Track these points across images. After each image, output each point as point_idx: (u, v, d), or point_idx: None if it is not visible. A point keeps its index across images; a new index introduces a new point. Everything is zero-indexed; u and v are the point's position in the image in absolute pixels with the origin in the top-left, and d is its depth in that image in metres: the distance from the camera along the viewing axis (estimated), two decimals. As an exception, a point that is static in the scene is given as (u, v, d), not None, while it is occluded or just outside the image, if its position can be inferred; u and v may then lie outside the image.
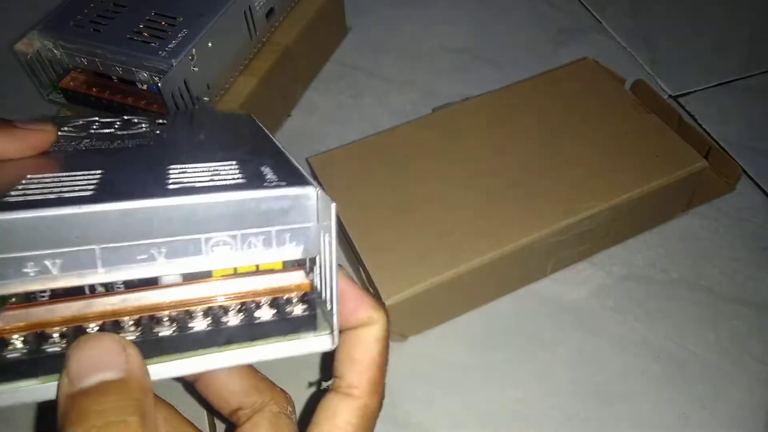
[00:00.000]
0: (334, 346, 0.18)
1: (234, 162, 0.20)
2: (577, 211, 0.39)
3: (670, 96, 0.55)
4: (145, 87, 0.41)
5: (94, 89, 0.42)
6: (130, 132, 0.25)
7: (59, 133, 0.23)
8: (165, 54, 0.39)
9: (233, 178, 0.18)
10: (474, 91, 0.51)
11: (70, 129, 0.26)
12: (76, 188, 0.17)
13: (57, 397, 0.16)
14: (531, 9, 0.63)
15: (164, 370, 0.17)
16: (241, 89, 0.46)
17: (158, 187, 0.17)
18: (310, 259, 0.18)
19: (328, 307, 0.18)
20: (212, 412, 0.26)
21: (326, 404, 0.19)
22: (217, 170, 0.19)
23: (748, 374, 0.38)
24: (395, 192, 0.41)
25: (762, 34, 0.60)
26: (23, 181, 0.18)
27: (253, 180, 0.18)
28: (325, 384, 0.20)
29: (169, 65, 0.39)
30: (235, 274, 0.18)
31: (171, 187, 0.17)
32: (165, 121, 0.28)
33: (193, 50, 0.40)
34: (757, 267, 0.43)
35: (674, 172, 0.41)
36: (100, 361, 0.16)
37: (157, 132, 0.27)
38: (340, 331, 0.20)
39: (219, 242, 0.17)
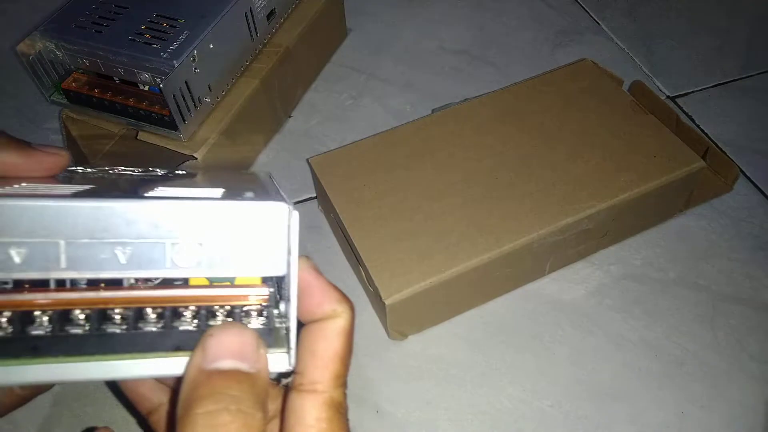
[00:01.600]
0: (291, 368, 0.18)
1: (222, 189, 0.20)
2: (576, 210, 0.40)
3: (668, 97, 0.55)
4: (146, 88, 0.41)
5: (96, 90, 0.42)
6: (143, 175, 0.26)
7: (78, 170, 0.24)
8: (167, 55, 0.40)
9: (211, 196, 0.18)
10: (473, 92, 0.51)
11: (93, 170, 0.26)
12: (58, 191, 0.17)
13: (186, 369, 0.17)
14: (529, 10, 0.64)
15: (104, 369, 0.17)
16: (243, 90, 0.46)
17: (133, 195, 0.17)
18: (277, 277, 0.18)
19: (288, 324, 0.18)
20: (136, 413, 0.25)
21: (292, 406, 0.19)
22: (202, 192, 0.19)
23: (746, 373, 0.39)
24: (395, 192, 0.41)
25: (759, 35, 0.60)
26: (16, 185, 0.18)
27: (230, 197, 0.18)
28: (285, 381, 0.19)
29: (171, 66, 0.39)
30: (194, 284, 0.18)
31: (146, 195, 0.17)
32: (185, 171, 0.29)
33: (195, 52, 0.40)
34: (754, 266, 0.43)
35: (672, 173, 0.42)
36: (238, 350, 0.17)
37: (169, 175, 0.27)
38: (303, 324, 0.19)
39: (184, 249, 0.17)
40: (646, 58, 0.58)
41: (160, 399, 0.23)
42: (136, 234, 0.16)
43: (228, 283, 0.18)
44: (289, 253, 0.17)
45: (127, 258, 0.17)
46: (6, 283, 0.17)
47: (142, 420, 0.24)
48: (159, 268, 0.17)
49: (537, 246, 0.40)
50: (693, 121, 0.53)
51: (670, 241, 0.45)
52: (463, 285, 0.39)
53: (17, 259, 0.16)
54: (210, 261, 0.17)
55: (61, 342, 0.17)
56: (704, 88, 0.55)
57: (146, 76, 0.40)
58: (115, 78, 0.42)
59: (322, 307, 0.19)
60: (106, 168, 0.27)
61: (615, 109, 0.46)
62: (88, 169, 0.26)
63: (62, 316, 0.17)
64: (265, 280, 0.18)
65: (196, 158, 0.42)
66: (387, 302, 0.36)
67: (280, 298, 0.18)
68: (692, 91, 0.55)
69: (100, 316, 0.17)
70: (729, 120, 0.53)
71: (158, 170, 0.27)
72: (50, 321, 0.17)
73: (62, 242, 0.16)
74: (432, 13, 0.64)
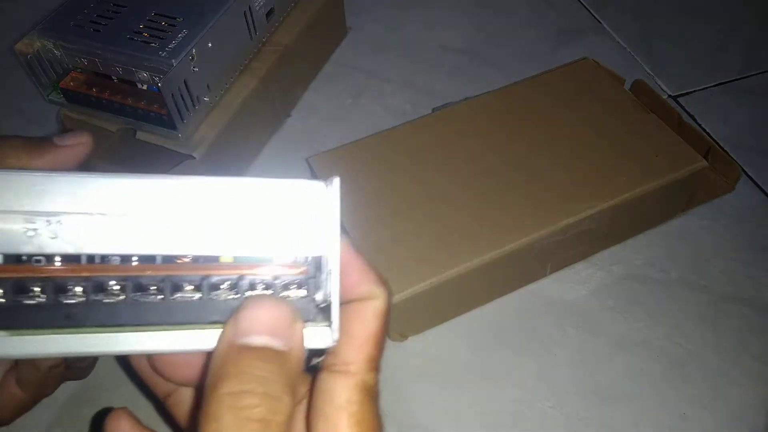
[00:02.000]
0: (334, 343, 0.17)
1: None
2: (577, 210, 0.39)
3: (669, 96, 0.55)
4: (145, 87, 0.41)
5: (94, 89, 0.42)
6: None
7: None
8: (165, 54, 0.39)
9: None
10: (474, 91, 0.51)
11: None
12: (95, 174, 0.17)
13: (218, 341, 0.16)
14: (531, 9, 0.63)
15: (137, 341, 0.17)
16: (241, 89, 0.46)
17: (172, 173, 0.17)
18: (316, 253, 0.18)
19: (330, 300, 0.18)
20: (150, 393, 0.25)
21: (322, 386, 0.18)
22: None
23: (748, 374, 0.38)
24: (395, 192, 0.41)
25: (761, 35, 0.60)
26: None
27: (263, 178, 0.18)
28: (315, 360, 0.19)
29: (169, 65, 0.39)
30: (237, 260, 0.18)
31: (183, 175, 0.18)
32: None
33: (193, 50, 0.40)
34: (756, 267, 0.43)
35: (674, 172, 0.41)
36: (271, 326, 0.16)
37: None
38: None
39: (223, 227, 0.17)
40: (647, 57, 0.58)
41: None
42: (175, 211, 0.16)
43: (270, 259, 0.18)
44: (332, 226, 0.17)
45: (166, 235, 0.16)
46: (38, 260, 0.16)
47: (159, 404, 0.24)
48: (197, 246, 0.17)
49: (538, 246, 0.39)
50: (695, 120, 0.53)
51: (672, 242, 0.45)
52: (464, 286, 0.39)
53: (53, 234, 0.16)
54: (249, 239, 0.17)
55: (96, 311, 0.17)
56: (706, 88, 0.55)
57: (144, 75, 0.40)
58: (113, 77, 0.42)
59: (360, 287, 0.19)
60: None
61: (616, 108, 0.46)
62: None
63: (97, 286, 0.17)
64: (307, 260, 0.18)
65: (195, 158, 0.42)
66: (387, 303, 0.36)
67: (320, 272, 0.18)
68: (694, 91, 0.55)
69: (135, 286, 0.17)
70: (731, 119, 0.52)
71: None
72: (84, 291, 0.17)
73: (101, 217, 0.16)
74: (432, 11, 0.63)
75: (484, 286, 0.41)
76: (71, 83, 0.43)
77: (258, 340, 0.16)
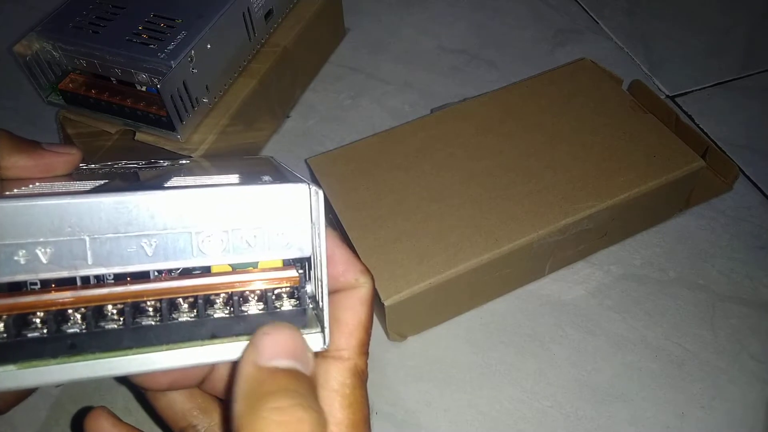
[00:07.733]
0: (326, 347, 0.18)
1: (237, 175, 0.20)
2: (576, 210, 0.40)
3: (667, 96, 0.55)
4: (144, 88, 0.41)
5: (93, 91, 0.42)
6: (150, 166, 0.26)
7: (83, 167, 0.24)
8: (164, 56, 0.39)
9: (229, 182, 0.18)
10: (472, 91, 0.51)
11: (96, 166, 0.26)
12: (76, 187, 0.17)
13: (242, 365, 0.16)
14: (529, 10, 0.63)
15: (142, 362, 0.17)
16: (240, 90, 0.46)
17: (153, 186, 0.17)
18: (303, 258, 0.18)
19: (320, 305, 0.18)
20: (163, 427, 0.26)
21: (317, 371, 0.18)
22: (218, 179, 0.19)
23: (746, 373, 0.38)
24: (394, 193, 0.41)
25: (759, 35, 0.60)
26: (30, 185, 0.18)
27: (248, 182, 0.18)
28: None
29: (168, 67, 0.39)
30: (225, 271, 0.18)
31: (165, 185, 0.17)
32: (188, 161, 0.29)
33: (192, 52, 0.40)
34: (754, 266, 0.43)
35: (672, 172, 0.41)
36: (293, 351, 0.17)
37: (176, 164, 0.27)
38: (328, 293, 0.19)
39: (209, 237, 0.17)
40: (645, 57, 0.58)
41: (187, 421, 0.23)
42: (160, 225, 0.16)
43: (253, 269, 0.18)
44: (318, 235, 0.17)
45: (153, 250, 0.17)
46: (34, 283, 0.17)
47: (146, 402, 0.24)
48: (186, 257, 0.17)
49: (537, 246, 0.39)
50: (692, 120, 0.53)
51: (670, 241, 0.45)
52: (463, 286, 0.39)
53: (44, 259, 0.16)
54: (236, 247, 0.17)
55: (98, 338, 0.17)
56: (704, 87, 0.55)
57: (143, 76, 0.40)
58: (112, 78, 0.42)
59: (346, 276, 0.20)
60: (110, 163, 0.27)
61: (614, 108, 0.46)
62: (93, 166, 0.26)
63: (96, 313, 0.17)
64: (293, 261, 0.18)
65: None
66: (386, 303, 0.36)
67: (308, 278, 0.18)
68: (692, 91, 0.55)
69: (134, 309, 0.17)
70: (729, 119, 0.53)
71: (162, 161, 0.28)
72: (84, 318, 0.17)
73: (87, 239, 0.16)
74: (431, 12, 0.64)
75: (484, 286, 0.41)
76: (70, 85, 0.43)
77: (286, 362, 0.16)
